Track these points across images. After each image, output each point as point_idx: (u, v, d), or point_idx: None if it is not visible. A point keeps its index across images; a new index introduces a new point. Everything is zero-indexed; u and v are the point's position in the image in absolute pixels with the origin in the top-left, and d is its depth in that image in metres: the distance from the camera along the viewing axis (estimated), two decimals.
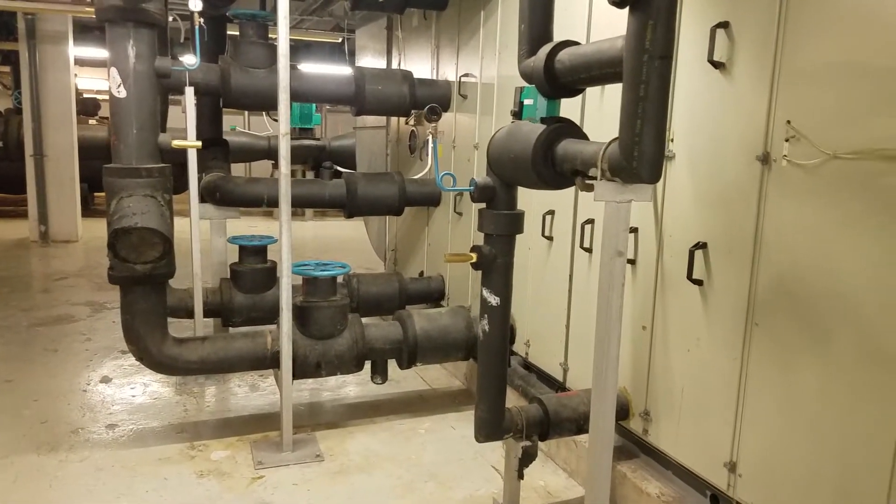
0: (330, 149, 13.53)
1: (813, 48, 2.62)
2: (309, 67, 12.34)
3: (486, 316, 3.27)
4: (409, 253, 7.06)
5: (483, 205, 3.22)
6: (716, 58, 3.06)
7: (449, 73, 5.94)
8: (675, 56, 3.33)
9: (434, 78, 6.20)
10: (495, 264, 3.19)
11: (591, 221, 3.97)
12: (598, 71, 2.55)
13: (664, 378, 3.49)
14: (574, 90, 2.88)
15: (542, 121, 2.86)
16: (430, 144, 5.12)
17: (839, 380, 2.53)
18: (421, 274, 6.55)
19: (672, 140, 3.40)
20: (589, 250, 4.02)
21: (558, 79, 2.75)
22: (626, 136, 2.28)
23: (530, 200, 4.29)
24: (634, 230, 3.65)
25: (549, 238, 4.43)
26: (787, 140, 2.73)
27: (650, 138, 2.26)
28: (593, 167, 2.44)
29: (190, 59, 4.26)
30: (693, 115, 3.27)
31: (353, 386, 5.46)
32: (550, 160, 2.78)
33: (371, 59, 7.80)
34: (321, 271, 4.25)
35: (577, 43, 2.80)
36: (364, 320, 4.62)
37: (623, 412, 3.70)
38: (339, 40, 12.20)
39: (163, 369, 4.07)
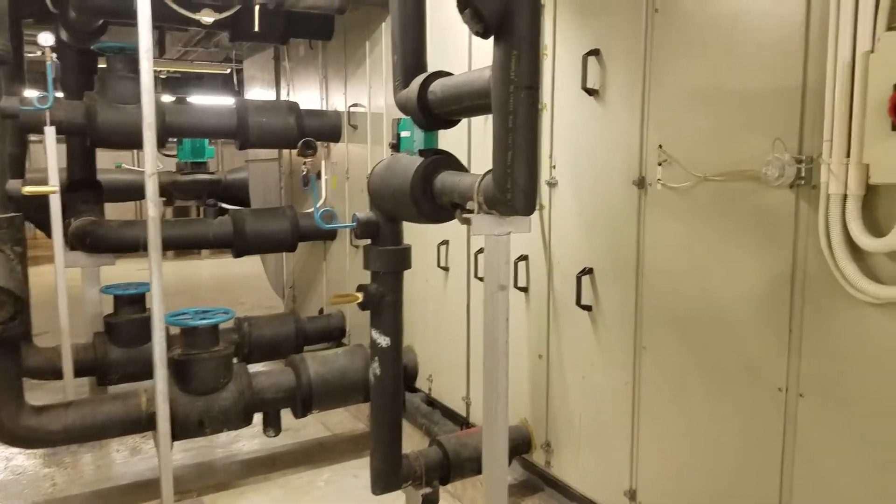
0: (226, 182, 13.02)
1: (679, 74, 2.65)
2: (198, 100, 11.89)
3: (377, 358, 3.11)
4: (307, 290, 6.81)
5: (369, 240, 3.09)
6: (589, 85, 3.07)
7: (338, 102, 5.81)
8: (554, 84, 3.35)
9: (323, 108, 6.05)
10: (384, 303, 3.05)
11: (483, 250, 3.91)
12: (469, 102, 2.48)
13: (563, 407, 3.43)
14: (449, 121, 2.81)
15: (420, 153, 2.77)
16: (316, 179, 4.95)
17: (726, 400, 2.54)
18: (321, 312, 6.32)
19: (555, 167, 3.39)
20: (483, 280, 3.96)
21: (432, 110, 2.67)
22: (499, 168, 2.22)
23: (425, 231, 4.20)
24: (525, 258, 3.61)
25: (445, 269, 4.34)
26: (659, 164, 2.75)
27: (522, 169, 2.20)
28: (470, 200, 2.36)
29: (43, 98, 3.92)
30: (574, 142, 3.27)
31: (248, 439, 5.10)
32: (430, 193, 2.69)
33: (260, 90, 7.56)
34: (200, 320, 3.97)
35: (449, 73, 2.73)
36: (257, 367, 4.35)
37: (525, 445, 3.62)
38: (228, 71, 11.83)
39: (21, 443, 3.65)
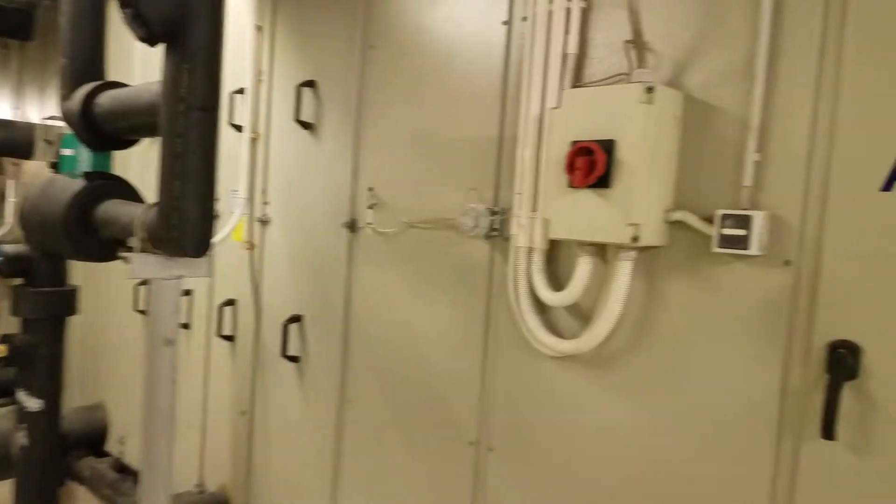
0: None
1: (393, 116, 2.54)
2: None
3: (25, 426, 2.51)
4: None
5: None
6: (304, 118, 2.86)
7: (34, 114, 4.96)
8: (270, 113, 3.08)
9: (14, 119, 5.13)
10: (37, 357, 2.48)
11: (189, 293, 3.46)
12: (137, 119, 2.11)
13: (265, 468, 3.09)
14: (125, 141, 2.40)
15: (85, 176, 2.31)
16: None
17: (422, 452, 2.41)
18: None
19: (267, 203, 3.11)
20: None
21: (100, 126, 2.24)
22: (165, 200, 1.87)
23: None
24: (232, 303, 3.25)
25: (143, 312, 3.79)
26: (370, 207, 2.61)
27: (192, 202, 1.87)
28: (132, 235, 1.98)
29: None
30: (288, 178, 3.02)
31: None
32: (90, 225, 2.24)
33: None
34: None
35: (125, 85, 2.33)
36: None
37: None
38: None
39: None
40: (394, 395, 2.52)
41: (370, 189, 2.61)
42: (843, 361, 1.47)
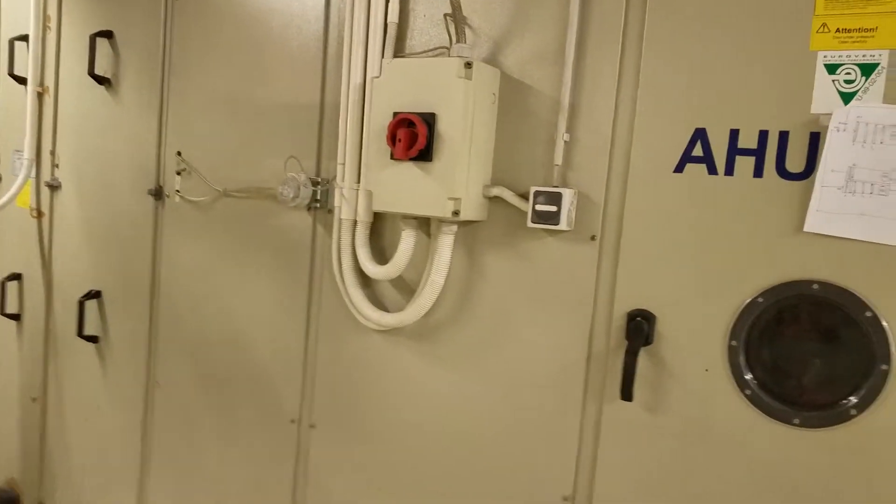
0: None
1: (205, 76, 2.35)
2: None
3: None
4: None
5: None
6: (99, 72, 2.57)
7: None
8: (59, 64, 2.74)
9: None
10: None
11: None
12: None
13: (62, 458, 2.81)
14: None
15: None
16: None
17: (242, 433, 2.32)
18: None
19: (58, 166, 2.78)
20: None
21: None
22: None
23: None
24: (17, 277, 2.89)
25: None
26: (178, 173, 2.41)
27: None
28: None
29: None
30: (82, 139, 2.71)
31: None
32: None
33: None
34: None
35: None
36: None
37: None
38: None
39: None
40: (211, 376, 2.39)
41: (178, 154, 2.41)
42: (639, 329, 1.60)
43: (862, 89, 1.37)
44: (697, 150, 1.56)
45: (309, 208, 2.13)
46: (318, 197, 2.11)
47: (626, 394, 1.60)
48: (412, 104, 1.75)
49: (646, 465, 1.64)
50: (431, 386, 1.94)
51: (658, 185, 1.60)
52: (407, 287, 1.97)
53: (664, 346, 1.61)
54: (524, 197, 1.73)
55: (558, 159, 1.69)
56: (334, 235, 2.05)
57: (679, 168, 1.58)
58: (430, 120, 1.73)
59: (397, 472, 2.01)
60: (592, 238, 1.69)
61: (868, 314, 1.40)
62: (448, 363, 1.92)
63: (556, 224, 1.67)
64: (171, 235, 2.47)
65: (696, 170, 1.56)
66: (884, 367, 1.39)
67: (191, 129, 2.39)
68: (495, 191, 1.78)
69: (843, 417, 1.43)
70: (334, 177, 2.03)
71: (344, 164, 1.99)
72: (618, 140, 1.65)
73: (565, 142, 1.69)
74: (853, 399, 1.42)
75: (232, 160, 2.29)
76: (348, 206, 1.99)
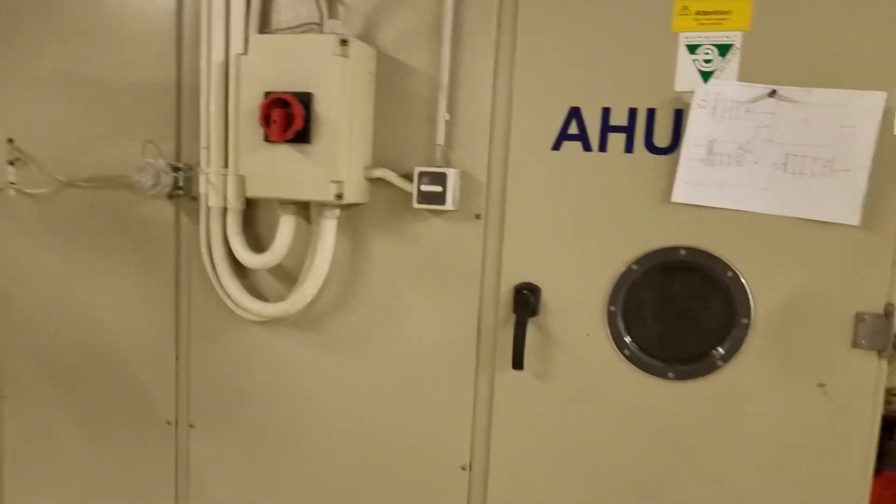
0: None
1: (42, 54, 2.08)
2: None
3: None
4: None
5: None
6: None
7: None
8: None
9: None
10: None
11: None
12: None
13: None
14: None
15: None
16: None
17: (112, 440, 2.16)
18: None
19: None
20: None
21: None
22: None
23: None
24: None
25: None
26: (11, 163, 2.15)
27: None
28: None
29: None
30: None
31: None
32: None
33: None
34: None
35: None
36: None
37: None
38: None
39: None
40: (72, 384, 2.18)
41: (10, 141, 2.15)
42: (526, 301, 1.66)
43: (719, 68, 1.49)
44: (573, 129, 1.62)
45: (171, 196, 1.98)
46: (181, 184, 1.97)
47: (517, 363, 1.66)
48: (285, 83, 1.67)
49: (538, 429, 1.72)
50: (321, 375, 1.90)
51: (538, 162, 1.65)
52: (288, 275, 1.90)
53: (550, 316, 1.68)
54: (407, 178, 1.72)
55: (440, 139, 1.69)
56: (202, 225, 1.92)
57: (556, 146, 1.64)
58: (306, 100, 1.65)
59: (289, 464, 1.96)
60: (477, 217, 1.71)
61: (730, 274, 1.55)
62: (337, 350, 1.88)
63: (442, 204, 1.68)
64: (7, 234, 2.20)
65: (573, 147, 1.63)
66: (744, 320, 1.55)
67: (26, 113, 2.12)
68: (378, 172, 1.75)
69: (711, 368, 1.58)
70: (197, 162, 1.90)
71: (209, 147, 1.87)
72: (497, 119, 1.67)
73: (446, 121, 1.69)
74: (720, 351, 1.57)
75: (78, 146, 2.07)
76: (216, 192, 1.88)
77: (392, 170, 1.74)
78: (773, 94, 1.47)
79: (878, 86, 1.40)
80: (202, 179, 1.89)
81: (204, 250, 1.92)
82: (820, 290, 1.50)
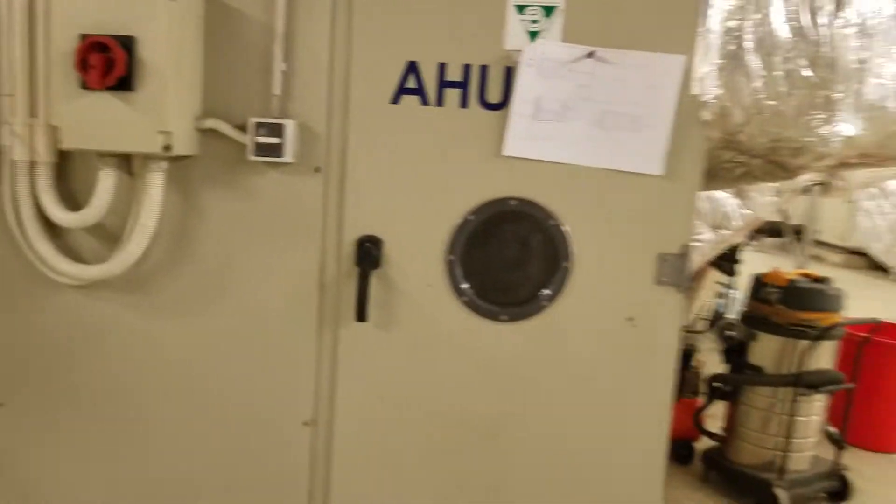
0: None
1: None
2: None
3: None
4: None
5: None
6: None
7: None
8: None
9: None
10: None
11: None
12: None
13: None
14: None
15: None
16: None
17: None
18: None
19: None
20: None
21: None
22: None
23: None
24: None
25: None
26: None
27: None
28: None
29: None
30: None
31: None
32: None
33: None
34: None
35: None
36: None
37: None
38: None
39: None
40: None
41: None
42: (368, 254, 1.69)
43: (545, 29, 1.60)
44: (411, 82, 1.66)
45: None
46: None
47: (361, 315, 1.69)
48: (104, 26, 1.55)
49: (383, 379, 1.77)
50: (153, 339, 1.81)
51: (377, 115, 1.67)
52: (110, 235, 1.77)
53: (392, 268, 1.72)
54: (242, 129, 1.67)
55: (277, 89, 1.66)
56: (5, 180, 1.74)
57: (395, 99, 1.67)
58: (128, 44, 1.55)
59: (125, 436, 1.85)
60: (317, 170, 1.71)
61: (552, 222, 1.68)
62: (169, 312, 1.79)
63: (280, 157, 1.65)
64: None
65: (411, 101, 1.67)
66: (565, 264, 1.69)
67: None
68: (210, 123, 1.68)
69: (539, 309, 1.71)
70: None
71: (13, 95, 1.68)
72: (336, 70, 1.67)
73: (283, 71, 1.66)
74: (546, 292, 1.70)
75: None
76: (22, 144, 1.69)
77: (225, 121, 1.68)
78: (591, 55, 1.61)
79: (679, 49, 1.58)
80: (5, 131, 1.70)
81: (8, 208, 1.73)
82: (629, 234, 1.68)
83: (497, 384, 1.75)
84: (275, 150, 1.66)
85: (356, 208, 1.71)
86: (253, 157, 1.66)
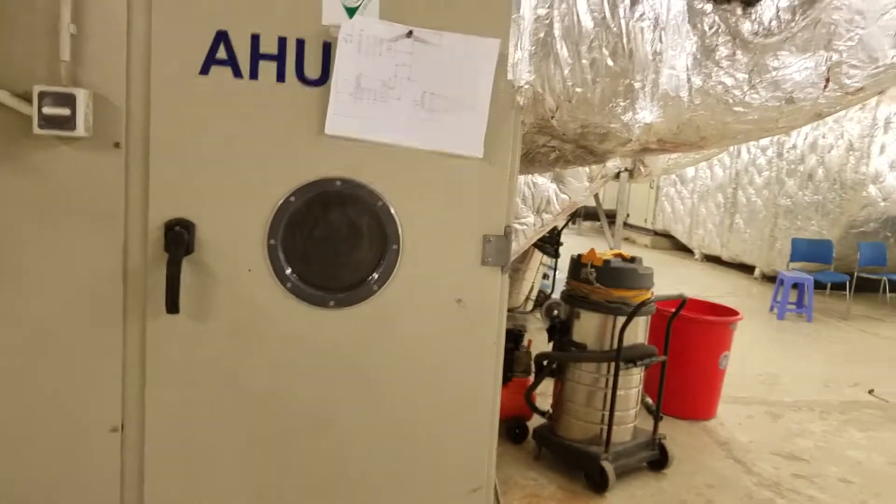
0: None
1: None
2: None
3: None
4: None
5: None
6: None
7: None
8: None
9: None
10: None
11: None
12: None
13: None
14: None
15: None
16: None
17: None
18: None
19: None
20: None
21: None
22: None
23: None
24: None
25: None
26: None
27: None
28: None
29: None
30: None
31: None
32: None
33: None
34: None
35: None
36: None
37: None
38: None
39: None
40: None
41: None
42: (179, 238, 1.55)
43: (363, 4, 1.56)
44: (221, 53, 1.55)
45: None
46: None
47: (172, 306, 1.55)
48: None
49: (199, 375, 1.63)
50: None
51: (185, 87, 1.54)
52: None
53: (207, 253, 1.60)
54: (25, 98, 1.47)
55: (65, 55, 1.47)
56: None
57: (205, 70, 1.55)
58: None
59: None
60: (117, 145, 1.54)
61: (380, 204, 1.65)
62: None
63: (73, 130, 1.47)
64: None
65: (222, 72, 1.55)
66: (395, 246, 1.66)
67: None
68: None
69: (368, 293, 1.67)
70: None
71: None
72: (135, 35, 1.51)
73: (72, 35, 1.47)
74: (375, 276, 1.67)
75: None
76: None
77: (6, 88, 1.47)
78: (409, 34, 1.59)
79: (494, 33, 1.60)
80: None
81: None
82: (455, 216, 1.69)
83: (326, 373, 1.68)
84: (65, 122, 1.47)
85: (163, 188, 1.56)
86: (39, 131, 1.46)
